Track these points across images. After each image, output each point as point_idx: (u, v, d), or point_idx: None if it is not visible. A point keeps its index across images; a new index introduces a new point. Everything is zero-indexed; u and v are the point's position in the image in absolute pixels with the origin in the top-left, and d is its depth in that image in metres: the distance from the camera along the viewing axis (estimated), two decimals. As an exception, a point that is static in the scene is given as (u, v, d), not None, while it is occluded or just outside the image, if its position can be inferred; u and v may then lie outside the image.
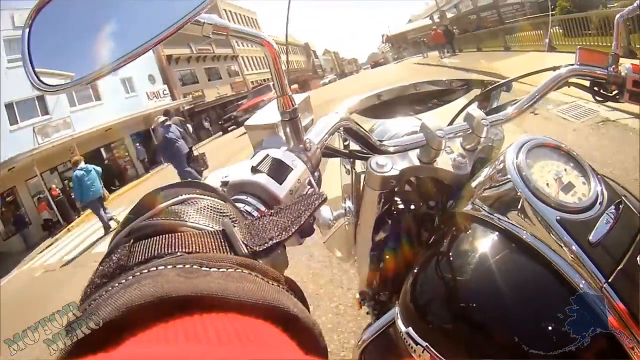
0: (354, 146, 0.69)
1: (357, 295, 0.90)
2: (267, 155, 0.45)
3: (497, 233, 0.51)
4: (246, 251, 0.26)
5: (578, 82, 0.80)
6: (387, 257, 0.73)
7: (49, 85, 0.39)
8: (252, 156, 0.46)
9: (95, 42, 0.40)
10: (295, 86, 18.78)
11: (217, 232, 0.27)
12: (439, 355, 0.47)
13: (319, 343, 0.23)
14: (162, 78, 23.08)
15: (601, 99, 0.80)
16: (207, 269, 0.21)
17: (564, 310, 0.44)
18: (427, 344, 0.48)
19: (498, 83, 0.80)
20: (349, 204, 0.83)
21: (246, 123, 0.62)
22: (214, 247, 0.25)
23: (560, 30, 8.95)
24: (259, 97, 17.18)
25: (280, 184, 0.42)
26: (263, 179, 0.42)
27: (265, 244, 0.27)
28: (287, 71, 0.53)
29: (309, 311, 0.25)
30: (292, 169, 0.45)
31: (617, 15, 0.83)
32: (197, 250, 0.24)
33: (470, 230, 0.54)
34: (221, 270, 0.22)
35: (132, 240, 0.26)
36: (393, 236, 0.72)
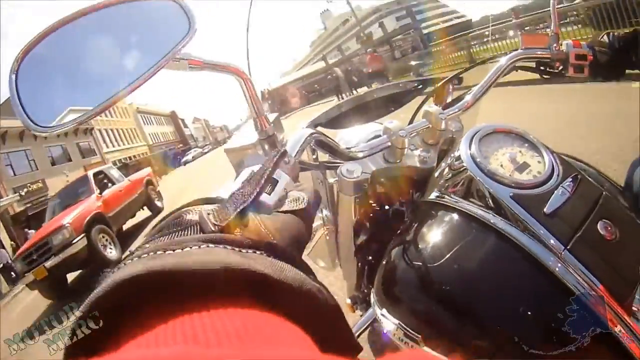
0: (321, 158, 0.72)
1: (348, 301, 0.91)
2: (253, 171, 0.49)
3: (457, 215, 0.53)
4: (213, 228, 0.27)
5: (524, 65, 0.85)
6: (370, 258, 0.75)
7: (42, 127, 0.40)
8: (235, 177, 0.49)
9: (83, 83, 0.43)
10: (148, 170, 11.03)
11: (194, 223, 0.28)
12: (411, 332, 0.49)
13: (312, 300, 0.23)
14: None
15: (548, 77, 0.85)
16: (171, 251, 0.22)
17: (523, 281, 0.46)
18: (399, 322, 0.51)
19: (448, 77, 0.84)
20: (326, 213, 0.86)
21: (225, 147, 0.64)
22: (186, 235, 0.27)
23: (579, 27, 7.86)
24: (57, 219, 7.05)
25: (270, 195, 0.46)
26: None
27: (230, 216, 0.28)
28: (261, 98, 0.57)
29: (310, 271, 0.26)
30: (278, 181, 0.48)
31: None
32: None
33: (434, 216, 0.56)
34: (185, 250, 0.22)
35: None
36: (373, 237, 0.75)
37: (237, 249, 0.23)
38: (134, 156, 34.21)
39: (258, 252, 0.24)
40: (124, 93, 0.41)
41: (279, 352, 0.18)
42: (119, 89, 0.41)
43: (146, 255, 0.22)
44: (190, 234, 0.27)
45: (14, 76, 0.40)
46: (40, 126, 0.40)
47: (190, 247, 0.22)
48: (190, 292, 0.20)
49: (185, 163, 37.42)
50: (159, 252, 0.22)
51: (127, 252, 0.27)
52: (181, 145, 50.27)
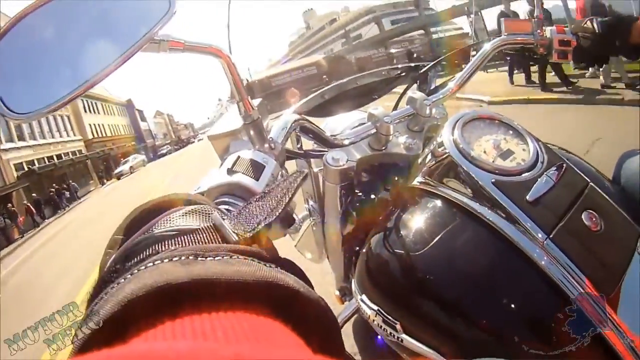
0: (306, 147, 0.71)
1: (337, 292, 0.90)
2: (239, 156, 0.48)
3: (439, 202, 0.53)
4: (237, 238, 0.27)
5: (509, 51, 0.85)
6: (358, 248, 0.75)
7: (17, 114, 0.38)
8: (220, 164, 0.48)
9: (58, 67, 0.41)
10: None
11: (209, 227, 0.27)
12: (389, 318, 0.49)
13: (325, 317, 0.24)
14: None
15: (532, 62, 0.85)
16: (203, 258, 0.22)
17: (505, 270, 0.45)
18: (378, 308, 0.51)
19: (431, 64, 0.83)
20: (311, 203, 0.85)
21: (208, 133, 0.63)
22: (207, 240, 0.26)
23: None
24: None
25: (257, 181, 0.45)
26: (241, 178, 0.45)
27: (254, 229, 0.28)
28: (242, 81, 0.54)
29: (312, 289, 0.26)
30: (265, 166, 0.47)
31: None
32: (192, 245, 0.25)
33: (416, 202, 0.56)
34: (217, 258, 0.22)
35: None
36: (360, 226, 0.74)
37: (262, 262, 0.24)
38: (58, 156, 24.27)
39: (278, 267, 0.24)
40: (100, 76, 0.40)
41: (288, 353, 0.18)
42: (95, 72, 0.40)
43: (177, 258, 0.22)
44: (210, 236, 0.27)
45: None
46: (15, 112, 0.38)
47: (222, 257, 0.23)
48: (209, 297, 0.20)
49: (119, 175, 26.43)
50: (191, 257, 0.22)
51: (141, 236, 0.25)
52: (133, 142, 40.40)
